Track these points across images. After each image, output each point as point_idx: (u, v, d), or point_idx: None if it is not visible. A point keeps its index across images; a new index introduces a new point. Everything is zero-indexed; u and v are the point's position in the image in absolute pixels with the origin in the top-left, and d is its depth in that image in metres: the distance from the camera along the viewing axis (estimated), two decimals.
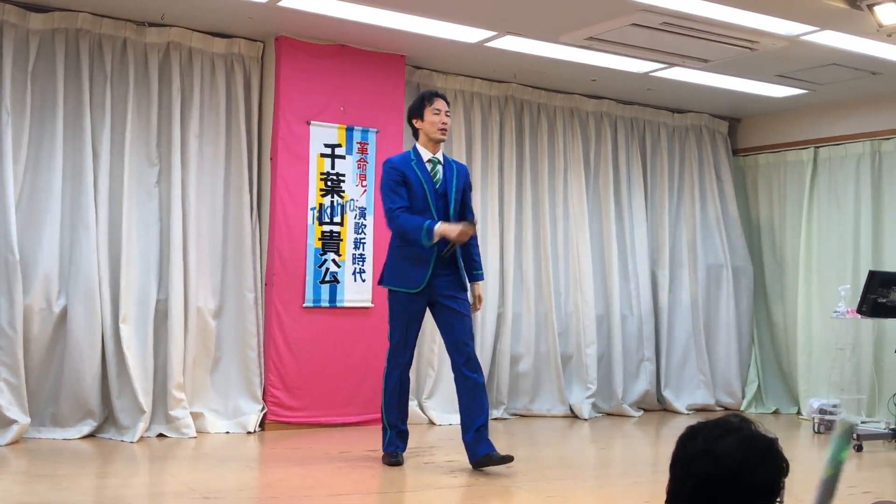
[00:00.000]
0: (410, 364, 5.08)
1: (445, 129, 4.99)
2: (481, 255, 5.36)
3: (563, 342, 7.36)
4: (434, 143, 4.98)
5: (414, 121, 5.02)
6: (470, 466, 4.91)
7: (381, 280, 5.06)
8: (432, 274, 4.88)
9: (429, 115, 4.95)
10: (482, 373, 5.01)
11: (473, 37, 6.04)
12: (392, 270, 4.98)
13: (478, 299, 5.16)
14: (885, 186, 7.38)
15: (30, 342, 5.48)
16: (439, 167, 4.99)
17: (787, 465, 1.70)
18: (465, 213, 5.08)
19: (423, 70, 6.88)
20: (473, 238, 5.07)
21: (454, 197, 4.97)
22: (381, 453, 5.10)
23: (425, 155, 4.97)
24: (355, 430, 6.21)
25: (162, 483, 4.79)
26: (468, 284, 5.08)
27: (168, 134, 5.97)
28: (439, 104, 4.97)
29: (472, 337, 5.01)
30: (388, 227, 5.01)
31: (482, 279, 5.21)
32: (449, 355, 5.02)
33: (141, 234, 5.85)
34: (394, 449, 5.04)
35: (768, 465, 1.65)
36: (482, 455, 4.84)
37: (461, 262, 5.03)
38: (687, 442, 1.69)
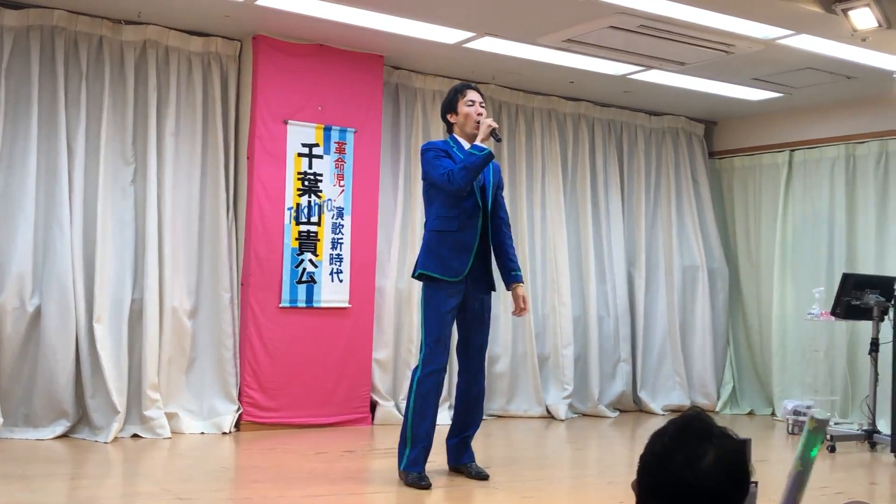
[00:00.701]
0: (446, 368, 4.72)
1: (480, 121, 4.70)
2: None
3: (540, 343, 7.37)
4: (470, 138, 4.72)
5: (448, 115, 4.81)
6: (447, 468, 4.92)
7: (417, 267, 4.70)
8: (470, 269, 4.64)
9: (463, 107, 4.74)
10: (485, 384, 4.93)
11: (452, 38, 6.05)
12: (430, 257, 4.63)
13: (522, 301, 4.86)
14: (859, 190, 7.45)
15: (2, 341, 5.43)
16: None
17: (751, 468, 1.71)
18: (497, 211, 4.86)
19: (402, 70, 6.88)
20: (509, 237, 4.90)
21: (490, 191, 4.79)
22: (356, 454, 5.05)
23: (466, 144, 4.72)
24: (331, 430, 6.19)
25: (136, 484, 4.76)
26: (494, 286, 4.84)
27: (144, 132, 5.94)
28: (473, 95, 4.77)
29: (487, 345, 4.86)
30: (452, 188, 4.55)
31: (521, 280, 4.91)
32: (458, 358, 4.86)
33: (116, 233, 5.81)
34: (420, 470, 4.59)
35: (743, 477, 1.66)
36: (461, 464, 4.86)
37: (492, 262, 4.82)
38: (664, 457, 1.67)
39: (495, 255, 4.87)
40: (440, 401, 4.83)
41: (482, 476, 4.79)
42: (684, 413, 1.74)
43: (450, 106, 4.83)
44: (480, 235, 4.69)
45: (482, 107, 4.80)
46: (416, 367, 4.67)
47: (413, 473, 4.59)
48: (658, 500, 1.64)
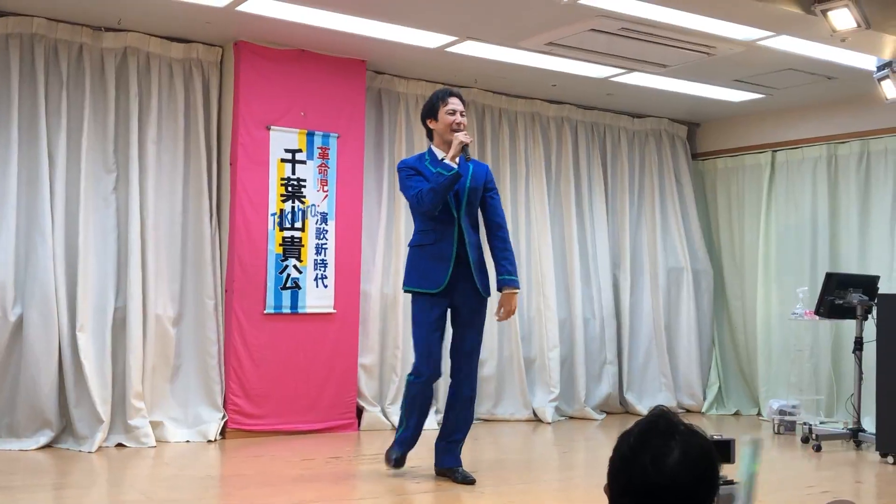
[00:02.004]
0: (437, 376, 4.84)
1: (460, 130, 4.75)
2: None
3: (525, 346, 7.37)
4: (448, 145, 4.73)
5: (428, 121, 4.86)
6: (433, 471, 4.92)
7: (404, 284, 4.90)
8: (454, 275, 4.71)
9: (443, 115, 4.77)
10: (476, 388, 4.99)
11: (434, 42, 6.05)
12: (412, 273, 4.81)
13: (500, 307, 4.89)
14: (842, 189, 7.49)
15: None
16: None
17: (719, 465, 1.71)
18: (489, 215, 4.91)
19: (385, 75, 6.87)
20: (502, 239, 4.90)
21: (466, 195, 4.78)
22: (343, 460, 5.06)
23: (440, 155, 4.78)
24: (317, 437, 6.17)
25: (121, 493, 4.73)
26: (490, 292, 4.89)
27: (125, 140, 5.91)
28: (454, 103, 4.79)
29: (479, 351, 4.92)
30: (422, 210, 4.69)
31: (512, 286, 4.86)
32: (451, 360, 4.91)
33: (98, 242, 5.77)
34: (401, 451, 4.88)
35: (710, 474, 1.65)
36: (446, 467, 4.88)
37: (485, 270, 4.84)
38: (630, 457, 1.67)
39: (490, 247, 4.97)
40: (429, 404, 5.00)
41: (469, 481, 4.79)
42: (650, 412, 1.75)
43: (430, 111, 4.85)
44: (458, 244, 4.74)
45: (462, 115, 4.82)
46: (410, 373, 4.86)
47: (394, 450, 4.88)
48: (627, 500, 1.64)
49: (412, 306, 4.85)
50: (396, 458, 4.87)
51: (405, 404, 4.89)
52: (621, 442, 1.70)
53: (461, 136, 4.65)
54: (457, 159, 4.66)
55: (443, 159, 4.71)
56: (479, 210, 4.92)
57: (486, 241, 4.98)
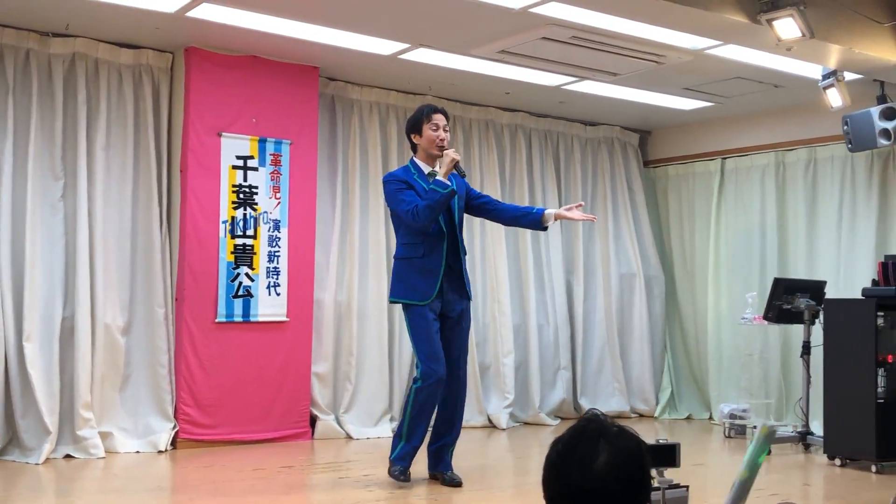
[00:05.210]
0: (445, 376, 4.85)
1: (444, 146, 4.90)
2: None
3: (480, 352, 7.39)
4: (432, 159, 4.91)
5: (412, 136, 4.97)
6: (427, 475, 5.04)
7: (391, 295, 4.98)
8: (442, 287, 4.83)
9: (427, 130, 4.89)
10: (465, 390, 5.09)
11: (387, 49, 6.04)
12: (400, 285, 4.89)
13: (578, 217, 5.11)
14: (789, 196, 7.61)
15: None
16: None
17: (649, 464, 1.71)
18: (487, 207, 5.11)
19: (338, 82, 6.86)
20: (500, 202, 5.27)
21: (456, 210, 4.94)
22: (295, 469, 5.03)
23: (425, 168, 4.91)
24: (270, 446, 6.12)
25: None
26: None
27: (73, 146, 5.82)
28: (438, 119, 4.91)
29: (467, 354, 5.06)
30: (417, 226, 4.77)
31: (544, 210, 5.11)
32: None
33: (45, 250, 5.68)
34: (405, 465, 4.85)
35: (639, 477, 1.66)
36: (440, 472, 4.98)
37: (467, 276, 4.99)
38: (559, 463, 1.68)
39: (508, 219, 5.22)
40: (434, 407, 4.97)
41: (455, 483, 4.91)
42: (581, 417, 1.75)
43: (415, 127, 4.97)
44: (447, 258, 4.86)
45: (446, 131, 4.94)
46: (416, 379, 4.85)
47: (398, 467, 4.83)
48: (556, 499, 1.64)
49: (406, 315, 4.90)
50: (406, 474, 4.84)
51: (412, 414, 4.82)
52: (552, 448, 1.71)
53: (452, 154, 4.76)
54: (448, 176, 4.77)
55: (430, 174, 4.84)
56: (471, 216, 5.18)
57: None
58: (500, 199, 7.47)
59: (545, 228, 5.16)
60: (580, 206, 5.16)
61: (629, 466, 1.62)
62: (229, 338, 6.11)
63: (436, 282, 4.81)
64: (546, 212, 5.07)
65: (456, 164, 4.76)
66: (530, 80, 6.75)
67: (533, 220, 5.09)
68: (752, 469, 1.89)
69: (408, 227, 4.84)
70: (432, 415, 4.94)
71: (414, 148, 5.03)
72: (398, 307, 5.90)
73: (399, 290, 4.89)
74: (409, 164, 5.00)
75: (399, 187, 4.84)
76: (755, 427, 6.70)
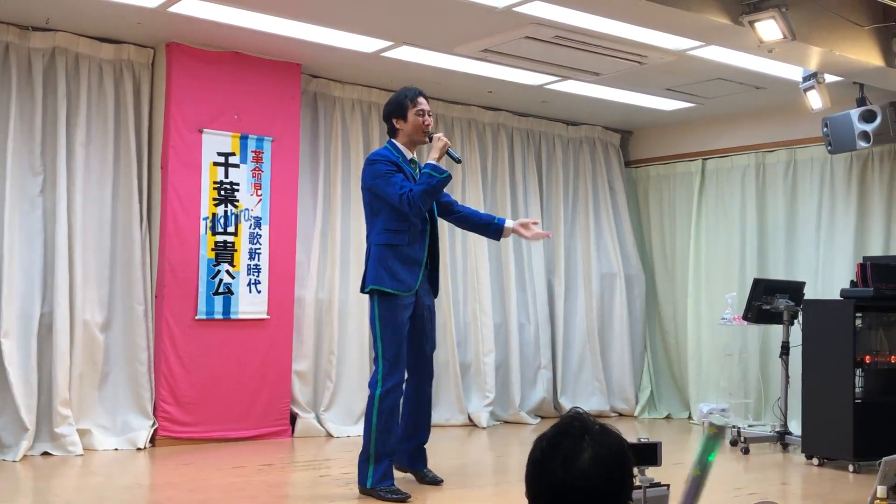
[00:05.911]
0: (405, 380, 4.68)
1: (429, 131, 4.73)
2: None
3: (461, 351, 7.39)
4: (414, 144, 4.77)
5: (395, 120, 4.72)
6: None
7: (367, 283, 4.64)
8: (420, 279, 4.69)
9: (412, 115, 4.68)
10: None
11: (370, 46, 6.03)
12: (381, 272, 4.58)
13: (532, 235, 5.11)
14: (769, 197, 7.66)
15: None
16: (419, 168, 4.80)
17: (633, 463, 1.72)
18: (443, 202, 4.98)
19: (320, 79, 6.84)
20: (464, 205, 5.24)
21: (436, 204, 4.85)
22: (275, 467, 4.99)
23: (407, 154, 4.73)
24: (250, 444, 6.10)
25: None
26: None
27: (53, 142, 5.78)
28: (423, 104, 4.71)
29: (435, 348, 4.97)
30: (410, 211, 4.54)
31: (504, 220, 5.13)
32: (412, 362, 4.77)
33: (24, 246, 5.63)
34: (391, 483, 4.57)
35: (621, 475, 1.66)
36: (415, 470, 4.94)
37: (438, 269, 4.90)
38: (542, 461, 1.68)
39: (469, 225, 5.10)
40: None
41: (437, 481, 4.88)
42: (564, 415, 1.76)
43: (398, 111, 4.74)
44: (428, 248, 4.75)
45: (429, 115, 4.79)
46: (375, 383, 4.57)
47: (386, 487, 4.55)
48: (542, 503, 1.65)
49: (379, 308, 4.59)
50: (402, 493, 4.56)
51: (379, 427, 4.52)
52: (535, 446, 1.71)
53: (442, 138, 4.62)
54: (442, 161, 4.64)
55: (412, 160, 4.73)
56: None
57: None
58: (482, 199, 7.56)
59: (499, 238, 5.13)
60: (536, 223, 5.09)
61: (613, 464, 1.63)
62: (209, 335, 6.08)
63: (418, 273, 4.65)
64: (505, 225, 5.01)
65: (448, 151, 4.62)
66: (513, 79, 6.76)
67: (494, 230, 5.02)
68: (704, 468, 1.92)
69: (391, 211, 4.59)
70: (398, 421, 4.69)
71: (393, 132, 4.78)
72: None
73: (379, 278, 4.58)
74: (390, 146, 4.75)
75: (390, 169, 4.58)
76: (733, 427, 6.72)
